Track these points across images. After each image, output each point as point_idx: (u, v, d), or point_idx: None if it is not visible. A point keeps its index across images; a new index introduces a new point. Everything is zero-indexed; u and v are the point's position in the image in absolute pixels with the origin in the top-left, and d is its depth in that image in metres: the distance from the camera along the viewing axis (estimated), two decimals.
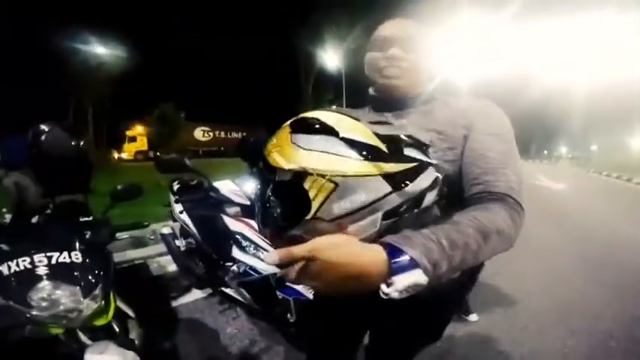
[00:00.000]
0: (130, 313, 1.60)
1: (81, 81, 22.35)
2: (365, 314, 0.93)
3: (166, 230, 2.85)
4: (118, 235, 1.61)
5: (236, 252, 2.14)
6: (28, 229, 1.49)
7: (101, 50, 22.31)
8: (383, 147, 0.60)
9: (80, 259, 1.34)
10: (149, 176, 3.55)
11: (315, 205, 0.55)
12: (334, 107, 0.70)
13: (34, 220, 1.68)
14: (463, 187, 0.79)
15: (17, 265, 1.27)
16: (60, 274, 1.28)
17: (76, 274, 1.30)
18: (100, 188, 1.99)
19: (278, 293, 1.99)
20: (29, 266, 1.27)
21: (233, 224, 2.18)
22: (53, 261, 1.30)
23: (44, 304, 1.23)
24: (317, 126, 0.60)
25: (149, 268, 3.39)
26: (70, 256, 1.32)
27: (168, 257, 3.05)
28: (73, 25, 20.53)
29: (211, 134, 30.21)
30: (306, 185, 0.55)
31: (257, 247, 2.06)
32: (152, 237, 1.83)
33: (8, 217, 3.20)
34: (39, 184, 1.80)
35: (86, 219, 1.55)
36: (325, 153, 0.56)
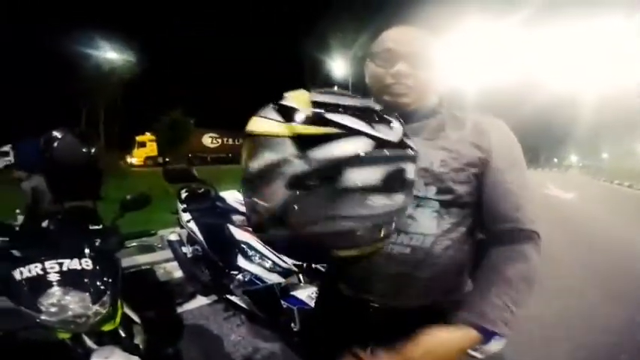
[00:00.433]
0: (136, 318, 1.62)
1: (93, 85, 22.80)
2: (374, 330, 0.85)
3: (173, 237, 2.89)
4: (126, 242, 1.63)
5: (241, 261, 2.17)
6: (40, 235, 1.53)
7: (113, 55, 22.77)
8: (308, 111, 0.55)
9: (90, 266, 1.37)
10: (158, 182, 3.60)
11: (242, 165, 0.59)
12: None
13: (44, 224, 1.71)
14: (489, 219, 0.80)
15: (29, 271, 1.30)
16: (70, 280, 1.31)
17: (85, 280, 1.33)
18: (110, 194, 2.03)
19: (282, 302, 2.01)
20: (41, 272, 1.30)
21: (239, 233, 2.21)
22: (64, 267, 1.33)
23: (54, 309, 1.26)
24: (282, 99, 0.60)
25: (155, 274, 3.42)
26: (80, 263, 1.35)
27: (175, 263, 3.08)
28: (86, 30, 21.03)
29: (219, 141, 30.46)
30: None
31: (262, 256, 2.09)
32: (160, 245, 1.86)
33: (20, 218, 3.27)
34: (50, 189, 1.83)
35: (96, 227, 1.58)
36: (260, 117, 0.58)
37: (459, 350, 0.68)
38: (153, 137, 26.09)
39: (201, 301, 2.87)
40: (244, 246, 2.16)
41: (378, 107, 0.63)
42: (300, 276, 2.13)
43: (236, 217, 2.31)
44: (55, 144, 1.61)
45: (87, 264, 1.37)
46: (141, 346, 1.51)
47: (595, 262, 4.27)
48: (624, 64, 22.25)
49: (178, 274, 3.22)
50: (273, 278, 2.04)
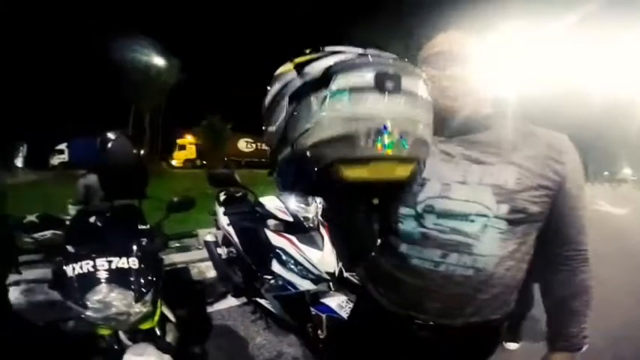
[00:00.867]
0: (171, 317, 1.67)
1: (141, 90, 24.20)
2: (417, 345, 0.85)
3: (210, 238, 2.99)
4: (169, 243, 1.71)
5: (275, 266, 2.21)
6: (92, 231, 1.61)
7: (159, 61, 24.11)
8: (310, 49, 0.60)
9: (136, 265, 1.43)
10: (197, 184, 3.74)
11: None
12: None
13: (92, 219, 1.83)
14: (554, 241, 0.80)
15: (81, 267, 1.37)
16: (117, 278, 1.38)
17: (131, 279, 1.40)
18: (153, 193, 2.15)
19: (312, 309, 2.01)
20: (91, 269, 1.37)
21: (275, 239, 2.25)
22: (113, 266, 1.40)
23: (99, 305, 1.32)
24: None
25: (190, 273, 3.54)
26: (128, 262, 1.42)
27: (209, 263, 3.18)
28: (136, 36, 22.47)
29: (254, 146, 31.25)
30: None
31: (296, 263, 2.11)
32: (199, 247, 1.94)
33: (71, 208, 3.53)
34: (102, 186, 1.96)
35: (144, 227, 1.66)
36: None
37: None
38: (193, 141, 27.32)
39: (230, 302, 2.93)
40: (279, 251, 2.19)
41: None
42: (331, 284, 2.12)
43: (272, 223, 2.35)
44: (110, 144, 1.74)
45: (134, 263, 1.43)
46: (173, 344, 1.56)
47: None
48: None
49: (211, 274, 3.32)
50: (305, 285, 2.05)
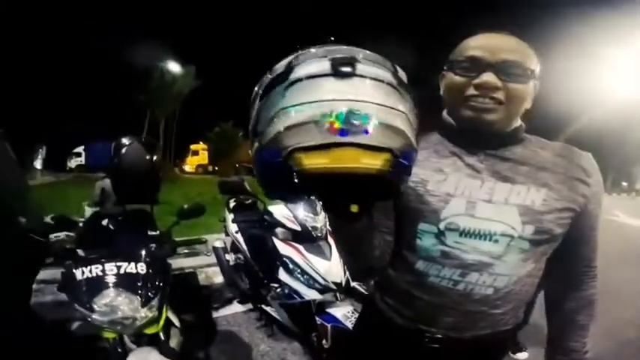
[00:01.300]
0: (176, 322, 1.68)
1: (156, 95, 24.72)
2: (411, 357, 0.84)
3: (218, 244, 3.02)
4: (178, 249, 1.73)
5: (282, 274, 2.21)
6: (102, 235, 1.65)
7: (175, 67, 24.66)
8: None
9: (144, 271, 1.45)
10: (207, 189, 3.79)
11: None
12: None
13: (104, 222, 1.86)
14: (568, 258, 0.80)
15: (90, 271, 1.39)
16: (124, 283, 1.40)
17: (138, 284, 1.41)
18: (164, 197, 2.18)
19: (317, 318, 2.01)
20: (100, 274, 1.39)
21: (282, 247, 2.26)
22: (122, 271, 1.41)
23: (105, 309, 1.33)
24: None
25: (197, 278, 3.57)
26: (136, 267, 1.44)
27: (217, 269, 3.20)
28: (153, 43, 23.05)
29: None
30: None
31: (303, 272, 2.11)
32: (208, 253, 1.94)
33: (87, 209, 3.60)
34: (115, 191, 2.00)
35: (153, 232, 1.68)
36: None
37: None
38: (205, 147, 27.71)
39: (236, 308, 2.94)
40: (287, 260, 2.20)
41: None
42: (338, 294, 2.11)
43: (281, 231, 2.37)
44: (124, 150, 1.77)
45: (142, 268, 1.44)
46: (176, 349, 1.57)
47: None
48: None
49: (218, 279, 3.34)
50: (311, 294, 2.05)
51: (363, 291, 2.47)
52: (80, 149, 22.33)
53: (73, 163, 22.26)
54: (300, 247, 2.20)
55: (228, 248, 3.03)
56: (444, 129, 0.80)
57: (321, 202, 0.63)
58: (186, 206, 1.79)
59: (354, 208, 0.60)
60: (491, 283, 0.72)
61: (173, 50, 24.37)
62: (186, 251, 1.77)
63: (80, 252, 1.50)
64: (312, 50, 0.55)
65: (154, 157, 1.77)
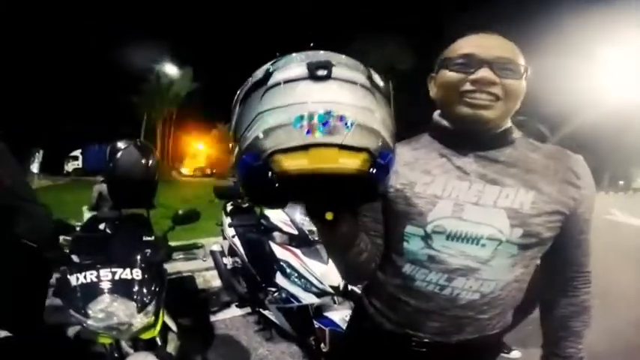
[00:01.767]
0: (173, 326, 1.67)
1: (153, 97, 24.67)
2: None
3: (216, 247, 3.01)
4: (174, 255, 1.73)
5: (279, 278, 2.21)
6: (98, 241, 1.64)
7: (172, 70, 24.62)
8: None
9: (140, 276, 1.44)
10: (204, 192, 3.78)
11: None
12: None
13: (102, 226, 1.85)
14: (559, 263, 0.79)
15: (85, 277, 1.39)
16: (120, 289, 1.39)
17: (134, 290, 1.41)
18: (162, 201, 2.17)
19: (315, 322, 2.00)
20: (95, 280, 1.39)
21: (280, 252, 2.26)
22: (117, 277, 1.41)
23: (101, 315, 1.33)
24: None
25: (195, 281, 3.56)
26: (131, 273, 1.43)
27: (214, 272, 3.19)
28: (151, 44, 23.00)
29: None
30: None
31: (300, 276, 2.11)
32: (204, 259, 1.93)
33: (86, 213, 3.57)
34: (111, 195, 1.99)
35: (149, 238, 1.67)
36: None
37: None
38: (203, 149, 27.71)
39: (234, 311, 2.93)
40: (284, 264, 2.19)
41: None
42: (335, 298, 2.11)
43: (278, 235, 2.36)
44: (119, 154, 1.76)
45: (137, 274, 1.44)
46: (173, 354, 1.56)
47: None
48: None
49: (216, 283, 3.32)
50: (309, 298, 2.04)
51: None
52: (77, 152, 22.29)
53: (70, 166, 22.19)
54: (298, 251, 2.20)
55: (226, 252, 3.02)
56: (435, 130, 0.80)
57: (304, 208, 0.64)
58: (180, 212, 1.78)
59: (329, 216, 0.60)
60: (478, 288, 0.71)
61: (171, 52, 24.33)
62: (182, 256, 1.76)
63: (75, 257, 1.48)
64: (290, 56, 0.56)
65: (150, 162, 1.76)
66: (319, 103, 0.51)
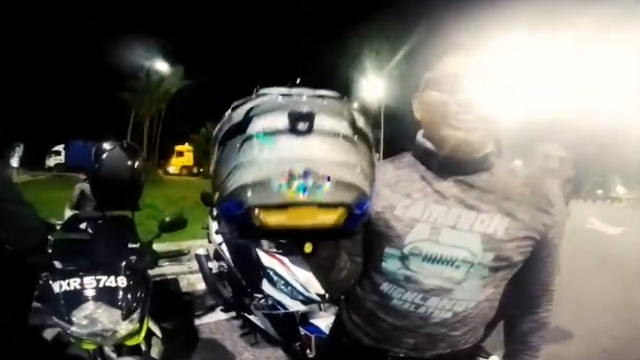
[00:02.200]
0: (157, 332, 1.66)
1: (142, 96, 24.24)
2: None
3: (201, 251, 2.98)
4: (159, 261, 1.72)
5: (266, 285, 2.22)
6: (80, 245, 1.59)
7: (162, 67, 24.22)
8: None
9: (125, 284, 1.43)
10: (191, 193, 3.73)
11: None
12: None
13: (83, 225, 1.80)
14: (526, 283, 0.82)
15: (68, 284, 1.37)
16: (104, 296, 1.38)
17: (119, 297, 1.39)
18: (148, 201, 2.13)
19: (301, 329, 2.01)
20: (78, 287, 1.37)
21: (266, 259, 2.26)
22: (101, 284, 1.39)
23: (85, 322, 1.31)
24: None
25: (179, 284, 3.51)
26: (116, 281, 1.42)
27: (199, 275, 3.15)
28: (141, 41, 22.60)
29: None
30: None
31: (287, 284, 2.11)
32: (191, 268, 1.90)
33: (68, 212, 3.46)
34: (95, 196, 1.95)
35: (133, 245, 1.65)
36: None
37: None
38: (190, 148, 27.34)
39: (219, 315, 2.91)
40: (270, 272, 2.20)
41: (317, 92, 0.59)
42: (321, 305, 2.11)
43: (265, 243, 2.36)
44: (104, 156, 1.73)
45: (122, 282, 1.43)
46: (157, 358, 1.56)
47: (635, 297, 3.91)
48: None
49: (201, 286, 3.29)
50: (295, 306, 2.05)
51: None
52: (60, 147, 21.62)
53: (51, 161, 21.53)
54: (284, 259, 2.21)
55: (211, 256, 3.00)
56: (418, 151, 0.81)
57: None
58: (167, 218, 1.76)
59: (308, 249, 0.62)
60: (451, 307, 0.74)
61: (161, 49, 23.93)
62: (166, 263, 1.74)
63: (57, 263, 1.46)
64: (271, 98, 0.54)
65: (136, 164, 1.73)
66: (299, 162, 0.51)
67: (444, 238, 0.72)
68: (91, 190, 1.88)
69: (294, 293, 2.06)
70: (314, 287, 2.04)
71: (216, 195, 0.57)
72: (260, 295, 2.25)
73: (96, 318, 1.32)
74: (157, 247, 1.82)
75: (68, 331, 1.32)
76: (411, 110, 0.82)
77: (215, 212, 3.08)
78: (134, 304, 1.41)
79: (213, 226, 2.93)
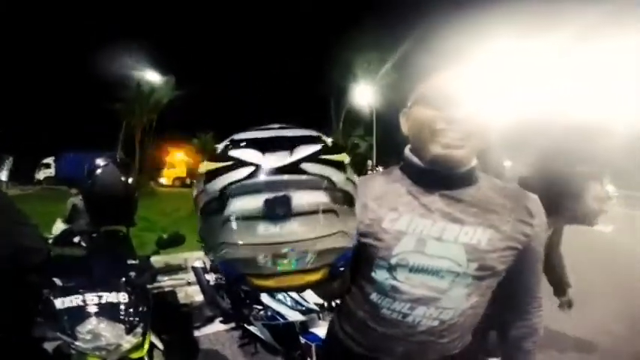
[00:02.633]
0: (159, 344, 1.66)
1: (133, 106, 24.01)
2: None
3: (198, 264, 2.97)
4: (158, 277, 1.76)
5: (265, 297, 2.24)
6: (79, 264, 1.60)
7: (153, 77, 24.03)
8: (217, 149, 0.61)
9: (126, 300, 1.45)
10: (184, 204, 3.71)
11: None
12: None
13: (76, 239, 1.79)
14: (514, 291, 0.86)
15: (70, 301, 1.38)
16: (107, 312, 1.39)
17: (121, 313, 1.41)
18: (141, 213, 2.12)
19: (301, 338, 2.01)
20: (81, 304, 1.38)
21: None
22: (103, 300, 1.41)
23: (89, 337, 1.33)
24: None
25: (177, 296, 3.47)
26: (117, 297, 1.44)
27: (196, 287, 3.13)
28: (131, 51, 22.43)
29: None
30: None
31: (285, 295, 2.11)
32: (189, 281, 1.88)
33: (59, 225, 3.41)
34: (89, 211, 1.93)
35: (133, 262, 1.66)
36: None
37: None
38: (183, 159, 27.09)
39: (218, 326, 2.90)
40: None
41: (296, 134, 0.60)
42: (321, 314, 2.11)
43: None
44: (98, 171, 1.72)
45: (124, 297, 1.44)
46: None
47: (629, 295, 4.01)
48: None
49: (199, 298, 3.26)
50: (294, 316, 2.07)
51: None
52: (50, 160, 21.25)
53: (41, 174, 21.10)
54: None
55: (208, 268, 2.98)
56: (405, 166, 0.84)
57: None
58: (165, 236, 1.78)
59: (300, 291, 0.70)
60: (437, 315, 0.77)
61: (152, 59, 23.78)
62: (165, 279, 1.74)
63: (57, 281, 1.47)
64: (244, 176, 0.55)
65: (130, 179, 1.73)
66: (280, 244, 0.55)
67: (430, 250, 0.75)
68: (85, 206, 1.86)
69: (293, 304, 2.07)
70: (313, 297, 2.05)
71: (209, 255, 0.61)
72: (259, 307, 2.26)
73: (99, 333, 1.34)
74: (154, 259, 1.81)
75: (73, 346, 1.33)
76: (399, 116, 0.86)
77: None
78: (137, 319, 1.43)
79: None
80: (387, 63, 22.30)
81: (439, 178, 0.78)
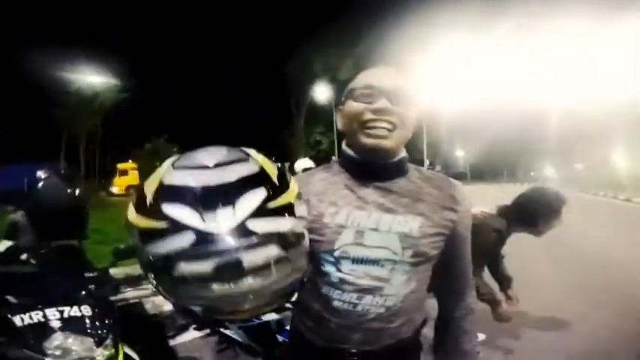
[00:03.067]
0: (135, 356, 1.61)
1: (74, 111, 22.28)
2: None
3: None
4: (122, 289, 1.68)
5: None
6: (30, 280, 1.50)
7: (96, 80, 22.22)
8: (150, 201, 0.59)
9: (90, 313, 1.39)
10: None
11: None
12: None
13: (24, 257, 1.66)
14: (448, 275, 0.92)
15: (30, 317, 1.31)
16: (73, 326, 1.33)
17: (87, 325, 1.36)
18: (93, 225, 1.98)
19: (278, 336, 2.00)
20: (42, 319, 1.31)
21: None
22: (65, 315, 1.34)
23: (58, 352, 1.27)
24: None
25: (144, 307, 3.31)
26: (80, 310, 1.37)
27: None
28: (69, 53, 20.63)
29: None
30: None
31: None
32: (153, 290, 1.77)
33: (5, 243, 3.12)
34: (34, 227, 1.79)
35: (89, 274, 1.58)
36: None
37: None
38: (135, 165, 25.55)
39: (193, 333, 2.80)
40: None
41: (235, 177, 0.60)
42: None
43: None
44: (40, 185, 1.58)
45: (87, 311, 1.39)
46: None
47: (580, 273, 4.39)
48: (595, 74, 23.27)
49: (168, 307, 3.12)
50: (268, 315, 2.05)
51: None
52: None
53: None
54: None
55: None
56: (343, 160, 0.90)
57: None
58: (122, 246, 1.68)
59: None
60: (383, 303, 0.81)
61: (94, 61, 21.89)
62: (129, 290, 1.64)
63: (11, 298, 1.38)
64: (188, 243, 0.55)
65: (77, 190, 1.61)
66: (238, 303, 0.59)
67: (368, 241, 0.81)
68: (29, 222, 1.72)
69: None
70: None
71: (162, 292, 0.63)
72: None
73: (69, 347, 1.28)
74: (113, 271, 1.74)
75: None
76: None
77: None
78: (104, 331, 1.38)
79: None
80: (347, 59, 22.59)
81: (372, 169, 0.84)
